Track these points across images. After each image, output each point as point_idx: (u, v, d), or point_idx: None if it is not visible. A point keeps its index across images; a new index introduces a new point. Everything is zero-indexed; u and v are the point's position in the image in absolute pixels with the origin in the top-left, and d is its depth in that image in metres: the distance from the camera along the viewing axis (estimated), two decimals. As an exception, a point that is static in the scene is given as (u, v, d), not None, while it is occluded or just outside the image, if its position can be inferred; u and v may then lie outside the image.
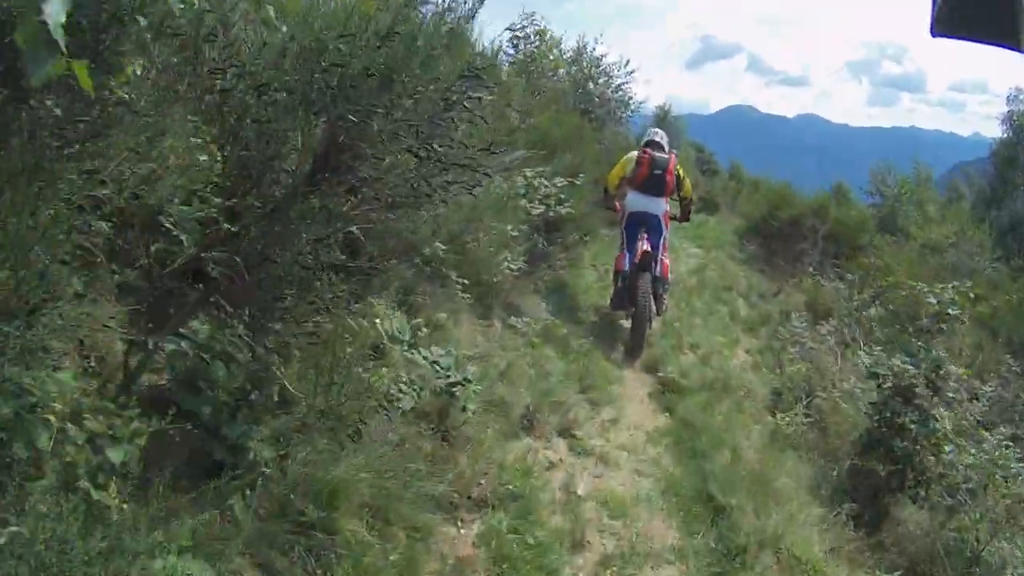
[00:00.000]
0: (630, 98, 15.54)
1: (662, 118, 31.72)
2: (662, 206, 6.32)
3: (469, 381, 3.57)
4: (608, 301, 6.51)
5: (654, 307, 6.04)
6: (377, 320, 3.31)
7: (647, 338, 5.99)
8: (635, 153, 6.36)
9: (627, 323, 6.23)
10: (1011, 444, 4.57)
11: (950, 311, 6.32)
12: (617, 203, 6.66)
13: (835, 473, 4.81)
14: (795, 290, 9.57)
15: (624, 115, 15.60)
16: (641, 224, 6.24)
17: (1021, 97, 19.28)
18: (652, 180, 6.17)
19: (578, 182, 6.60)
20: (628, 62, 15.21)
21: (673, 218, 6.72)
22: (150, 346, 2.22)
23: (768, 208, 10.77)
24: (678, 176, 6.35)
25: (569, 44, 14.52)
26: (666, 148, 6.42)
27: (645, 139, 6.61)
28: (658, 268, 6.12)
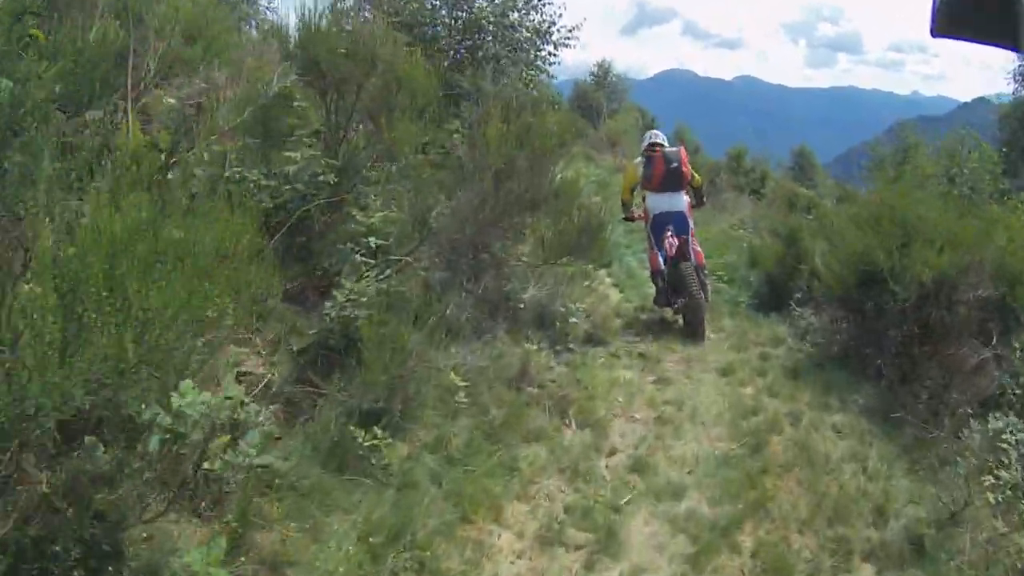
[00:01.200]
0: (551, 25, 8.80)
1: (602, 77, 24.88)
2: (684, 200, 5.99)
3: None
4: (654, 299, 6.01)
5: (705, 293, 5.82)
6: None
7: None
8: (639, 159, 6.15)
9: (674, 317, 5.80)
10: None
11: None
12: (634, 211, 6.28)
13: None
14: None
15: (542, 55, 8.88)
16: (667, 223, 5.82)
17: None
18: (670, 175, 5.88)
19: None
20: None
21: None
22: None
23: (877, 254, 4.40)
24: (690, 168, 6.10)
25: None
26: (667, 146, 6.14)
27: (646, 143, 6.26)
28: (694, 257, 5.77)
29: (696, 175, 6.16)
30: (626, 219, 6.40)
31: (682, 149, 6.01)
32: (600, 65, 22.74)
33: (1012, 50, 1.59)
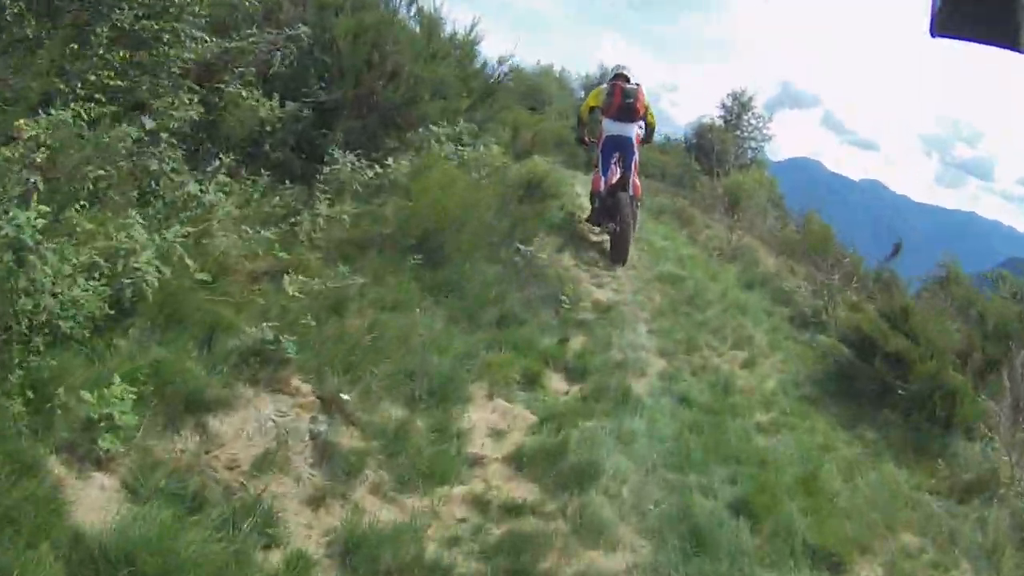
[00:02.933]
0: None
1: (736, 116, 18.48)
2: (634, 130, 6.88)
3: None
4: (587, 216, 7.11)
5: (634, 223, 6.67)
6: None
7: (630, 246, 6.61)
8: (605, 86, 7.04)
9: (603, 235, 6.89)
10: None
11: None
12: (587, 136, 7.34)
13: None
14: None
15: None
16: (616, 147, 6.83)
17: None
18: (624, 108, 6.78)
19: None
20: None
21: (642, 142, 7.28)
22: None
23: None
24: (646, 106, 6.95)
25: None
26: (631, 79, 7.00)
27: (614, 71, 7.23)
28: (631, 189, 6.66)
29: (651, 115, 7.08)
30: (578, 139, 7.61)
31: (640, 88, 6.90)
32: (736, 97, 16.26)
33: (1013, 50, 1.42)
